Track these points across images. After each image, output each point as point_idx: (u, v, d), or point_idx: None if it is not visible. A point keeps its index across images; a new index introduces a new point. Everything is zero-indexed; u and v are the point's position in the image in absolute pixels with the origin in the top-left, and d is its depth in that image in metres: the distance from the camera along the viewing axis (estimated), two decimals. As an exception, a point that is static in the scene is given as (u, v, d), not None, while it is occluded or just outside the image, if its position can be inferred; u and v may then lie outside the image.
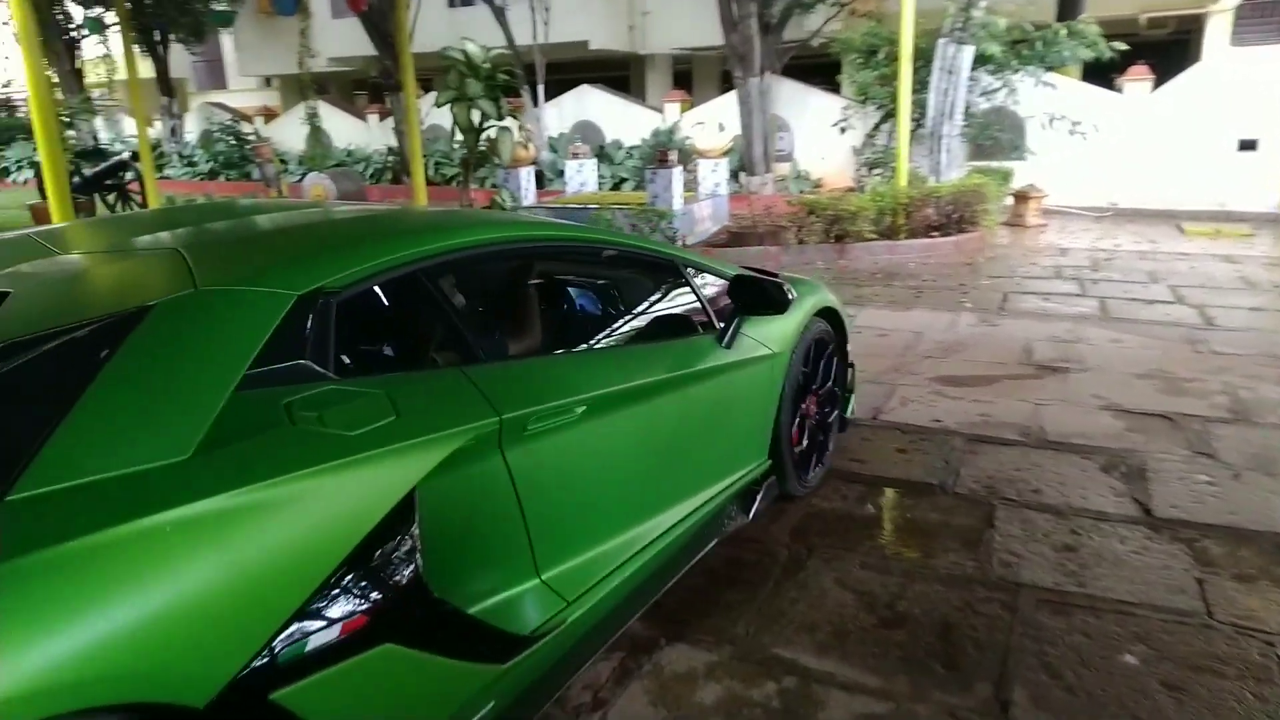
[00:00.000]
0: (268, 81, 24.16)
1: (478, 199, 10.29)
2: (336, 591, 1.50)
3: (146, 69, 18.49)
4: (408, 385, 1.84)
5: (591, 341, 2.83)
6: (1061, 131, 11.42)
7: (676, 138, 14.98)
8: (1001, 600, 2.65)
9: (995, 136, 11.90)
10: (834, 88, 14.88)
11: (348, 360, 1.81)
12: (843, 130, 12.85)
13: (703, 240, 9.95)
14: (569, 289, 2.99)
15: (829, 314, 3.54)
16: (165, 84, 19.86)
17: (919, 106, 10.54)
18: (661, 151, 9.90)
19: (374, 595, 1.56)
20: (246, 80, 24.44)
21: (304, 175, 14.55)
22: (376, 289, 1.95)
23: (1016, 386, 4.76)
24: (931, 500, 3.36)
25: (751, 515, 3.01)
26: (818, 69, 15.71)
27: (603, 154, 15.18)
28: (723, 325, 2.84)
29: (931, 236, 9.47)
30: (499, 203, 9.46)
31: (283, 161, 16.29)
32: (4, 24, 16.32)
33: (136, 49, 13.30)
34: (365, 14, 13.15)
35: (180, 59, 22.71)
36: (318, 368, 1.68)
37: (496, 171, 10.80)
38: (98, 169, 12.56)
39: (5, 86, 22.61)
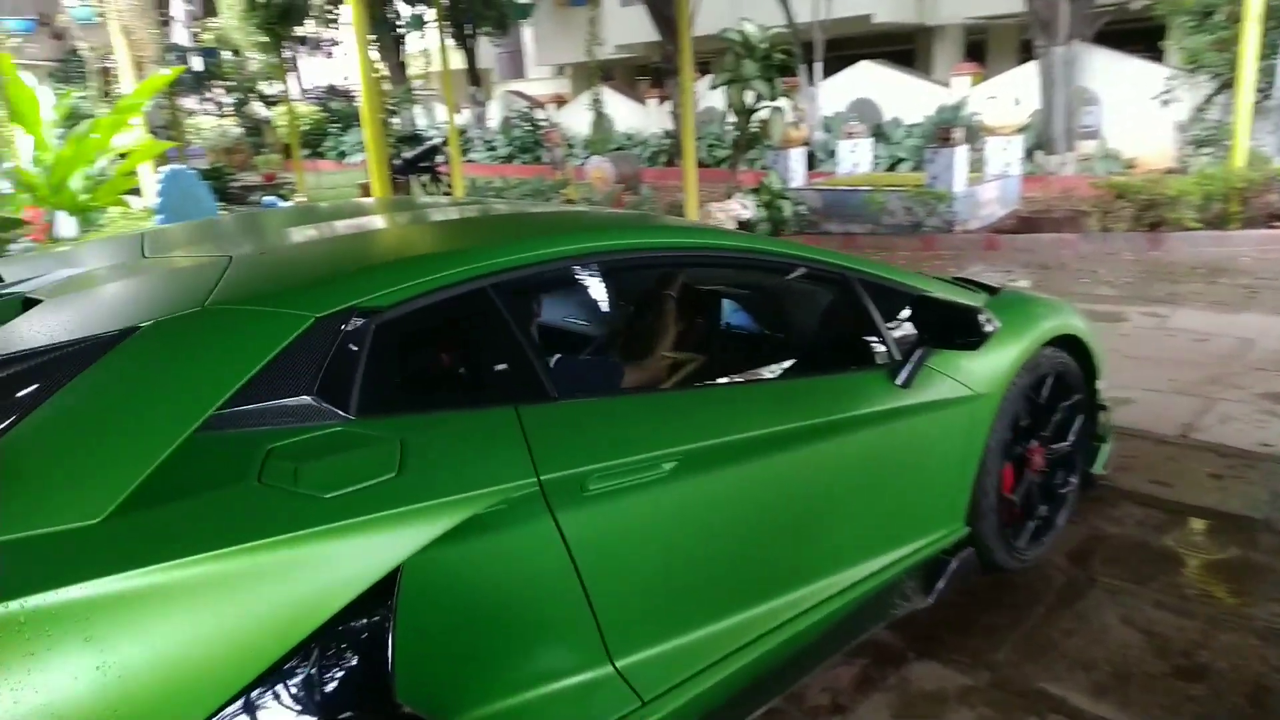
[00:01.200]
0: (561, 70, 25.81)
1: (746, 181, 10.29)
2: (261, 697, 1.19)
3: (458, 61, 20.53)
4: (436, 429, 1.47)
5: (713, 376, 2.38)
6: None
7: (963, 114, 14.00)
8: (1340, 668, 2.20)
9: (1367, 108, 9.88)
10: (1155, 55, 13.13)
11: (377, 396, 1.44)
12: (1165, 103, 11.31)
13: (987, 225, 9.23)
14: (694, 309, 2.57)
15: (1073, 343, 2.79)
16: (473, 74, 21.89)
17: (1266, 75, 9.00)
18: (943, 129, 9.27)
19: (316, 702, 1.24)
20: (542, 69, 26.27)
21: (587, 158, 15.40)
22: (431, 309, 1.57)
23: (1379, 411, 3.92)
24: (1252, 538, 2.86)
25: (933, 596, 2.38)
26: (1136, 35, 13.94)
27: (880, 133, 14.56)
28: (902, 359, 2.24)
29: (1274, 228, 8.07)
30: (767, 185, 9.40)
31: (570, 145, 17.34)
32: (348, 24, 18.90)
33: (450, 42, 14.73)
34: None
35: (486, 51, 24.91)
36: (330, 404, 1.37)
37: (767, 153, 10.72)
38: (414, 152, 14.15)
39: (346, 79, 26.07)
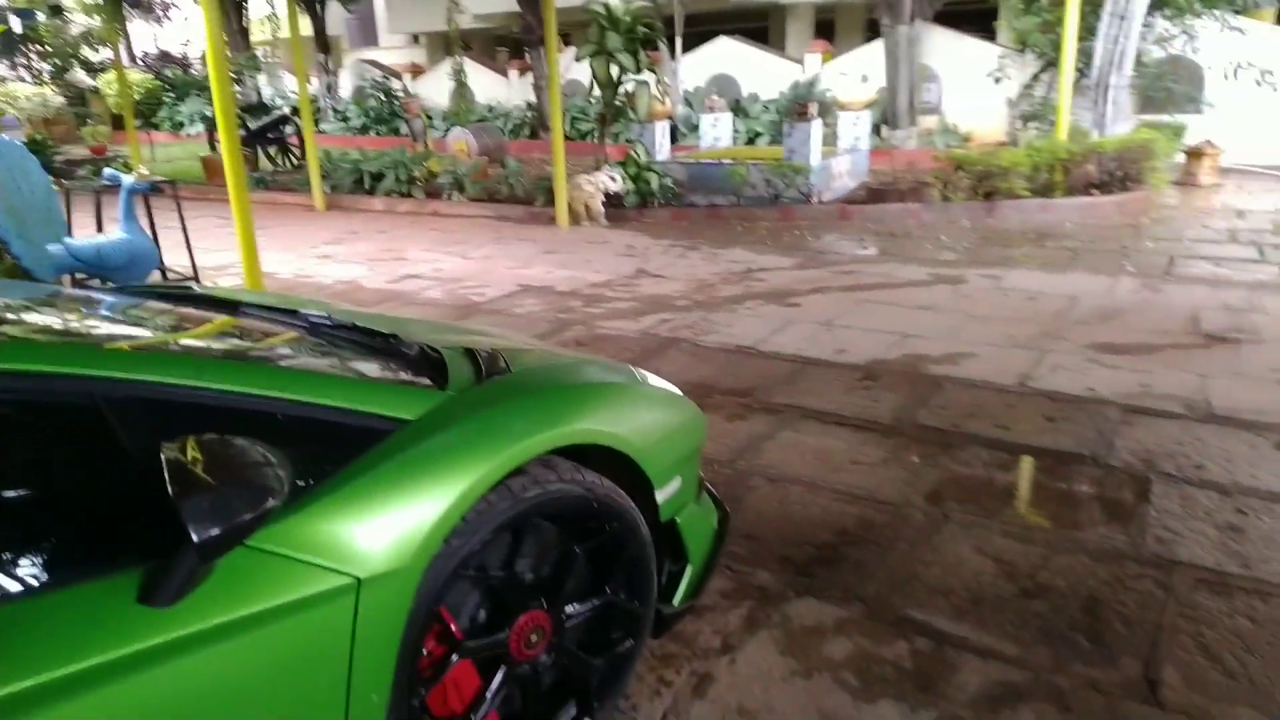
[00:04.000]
0: (416, 39, 24.96)
1: (612, 154, 10.36)
2: None
3: (305, 27, 19.44)
4: None
5: None
6: (1246, 82, 10.40)
7: (816, 90, 14.55)
8: (1155, 577, 2.51)
9: (1168, 88, 10.99)
10: (989, 35, 14.04)
11: None
12: (997, 81, 12.16)
13: (840, 197, 9.68)
14: None
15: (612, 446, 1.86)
16: (322, 41, 20.82)
17: (1084, 55, 9.82)
18: (800, 105, 9.63)
19: None
20: (395, 38, 25.32)
21: (448, 130, 15.02)
22: None
23: (1181, 357, 4.44)
24: (1081, 471, 3.20)
25: None
26: (973, 16, 14.85)
27: (738, 108, 14.94)
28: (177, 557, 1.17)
29: (1091, 195, 8.87)
30: (634, 157, 9.49)
31: (429, 117, 16.85)
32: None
33: (297, 6, 13.99)
34: (509, -31, 13.33)
35: (335, 16, 23.74)
36: None
37: (631, 126, 10.81)
38: (261, 123, 13.39)
39: (185, 45, 24.30)
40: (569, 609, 1.82)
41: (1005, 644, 2.24)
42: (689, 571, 2.15)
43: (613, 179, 9.03)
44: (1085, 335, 4.82)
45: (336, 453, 1.47)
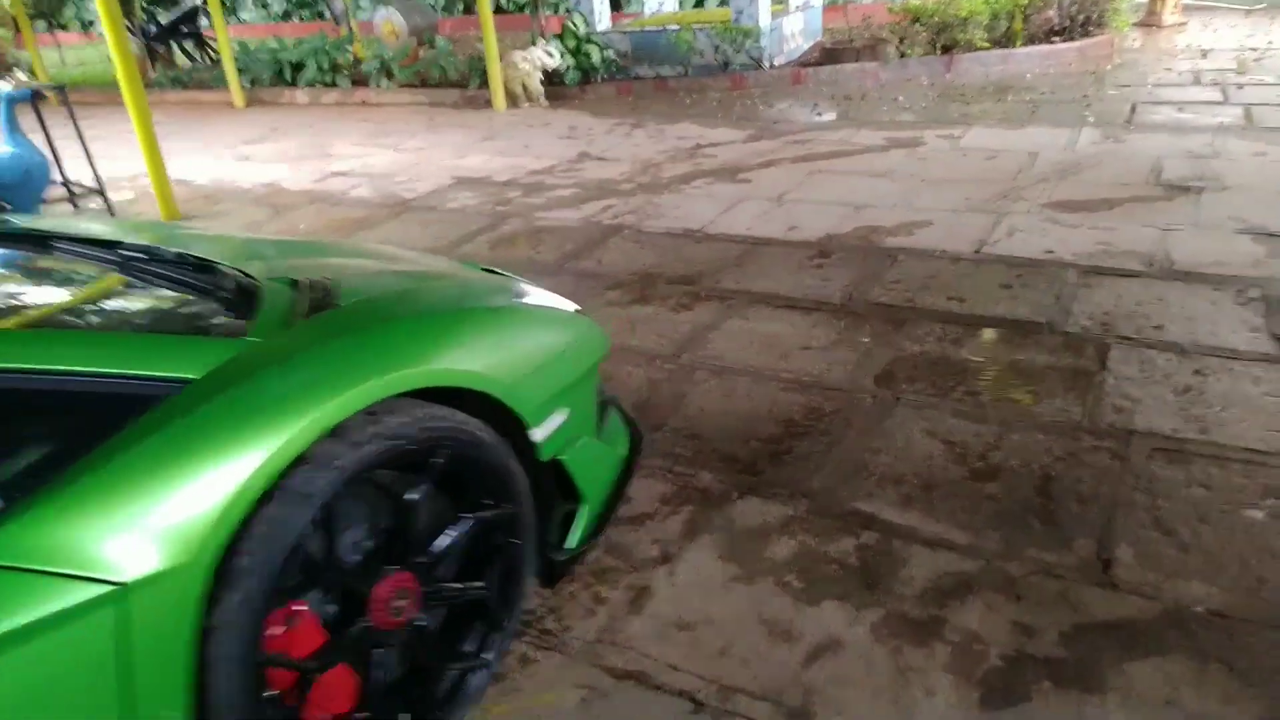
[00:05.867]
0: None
1: (550, 27, 9.72)
2: None
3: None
4: None
5: None
6: (1214, -92, 9.85)
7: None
8: (1111, 450, 2.41)
9: (1133, -81, 10.38)
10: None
11: None
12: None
13: (793, 60, 9.20)
14: None
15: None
16: (233, -80, 19.20)
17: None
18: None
19: None
20: (314, -89, 23.41)
21: (375, 11, 14.05)
22: None
23: (1142, 210, 4.26)
24: (1038, 340, 3.06)
25: None
26: None
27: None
28: None
29: (1053, 42, 8.49)
30: (571, 29, 8.90)
31: (355, -3, 15.73)
32: None
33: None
34: None
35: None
36: None
37: (570, -6, 10.11)
38: (172, 17, 12.42)
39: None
40: (434, 552, 1.58)
41: (955, 532, 2.14)
42: (584, 511, 1.93)
43: (550, 54, 8.48)
44: (1044, 194, 4.63)
45: (92, 431, 1.20)
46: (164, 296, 1.68)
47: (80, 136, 5.39)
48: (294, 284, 1.71)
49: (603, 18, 9.68)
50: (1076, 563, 2.01)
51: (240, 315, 1.54)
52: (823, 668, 1.78)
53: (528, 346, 1.82)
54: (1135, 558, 2.01)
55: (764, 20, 8.69)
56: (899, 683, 1.73)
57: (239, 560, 1.23)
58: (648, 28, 9.58)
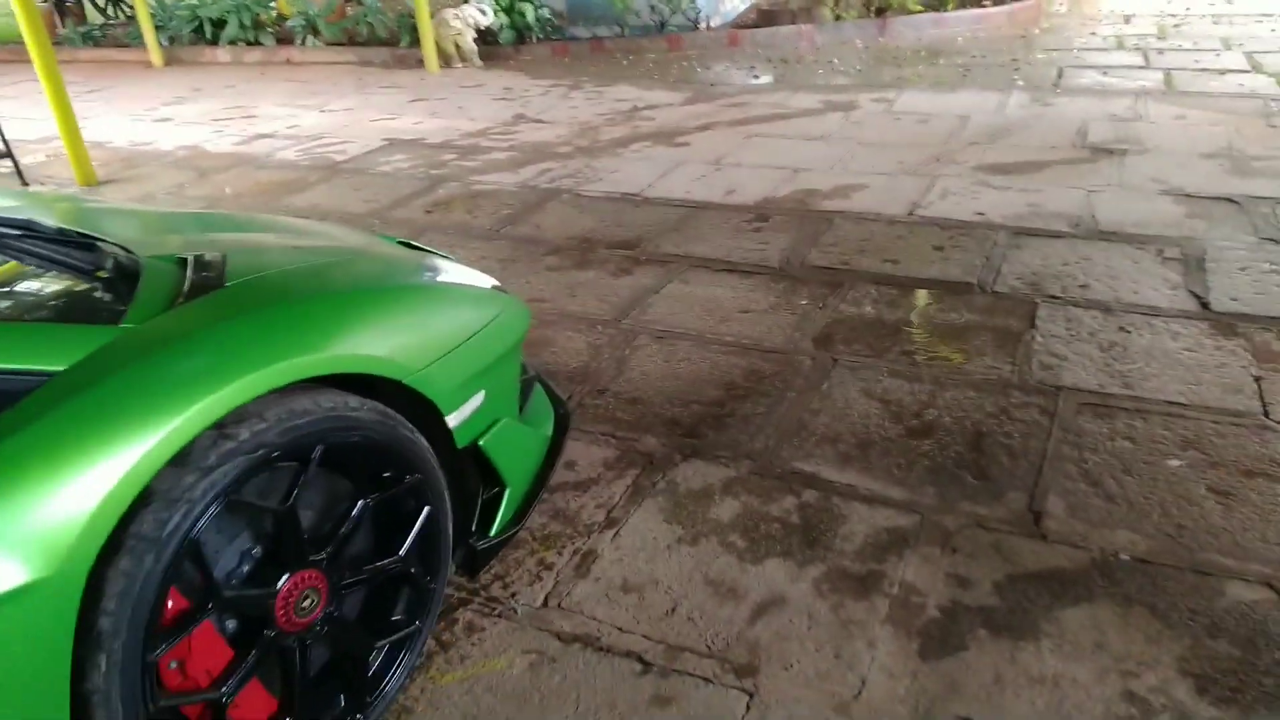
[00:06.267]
0: None
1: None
2: None
3: None
4: None
5: None
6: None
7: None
8: (1040, 405, 2.49)
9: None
10: None
11: None
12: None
13: (730, 21, 9.15)
14: None
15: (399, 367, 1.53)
16: None
17: None
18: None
19: None
20: None
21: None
22: None
23: (1068, 172, 4.38)
24: (969, 300, 3.13)
25: None
26: None
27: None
28: None
29: (983, 6, 8.61)
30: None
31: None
32: None
33: None
34: None
35: None
36: None
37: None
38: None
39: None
40: (336, 541, 1.46)
41: (892, 488, 2.19)
42: (507, 497, 1.86)
43: (483, 12, 8.27)
44: (975, 156, 4.71)
45: None
46: (33, 276, 1.54)
47: (-19, 96, 5.08)
48: (181, 262, 1.58)
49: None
50: (1008, 515, 2.08)
51: (118, 298, 1.42)
52: (767, 624, 1.81)
53: (440, 327, 1.70)
54: (1064, 509, 2.08)
55: (700, -20, 8.61)
56: (841, 636, 1.77)
57: (101, 621, 1.12)
58: (582, -13, 9.39)
